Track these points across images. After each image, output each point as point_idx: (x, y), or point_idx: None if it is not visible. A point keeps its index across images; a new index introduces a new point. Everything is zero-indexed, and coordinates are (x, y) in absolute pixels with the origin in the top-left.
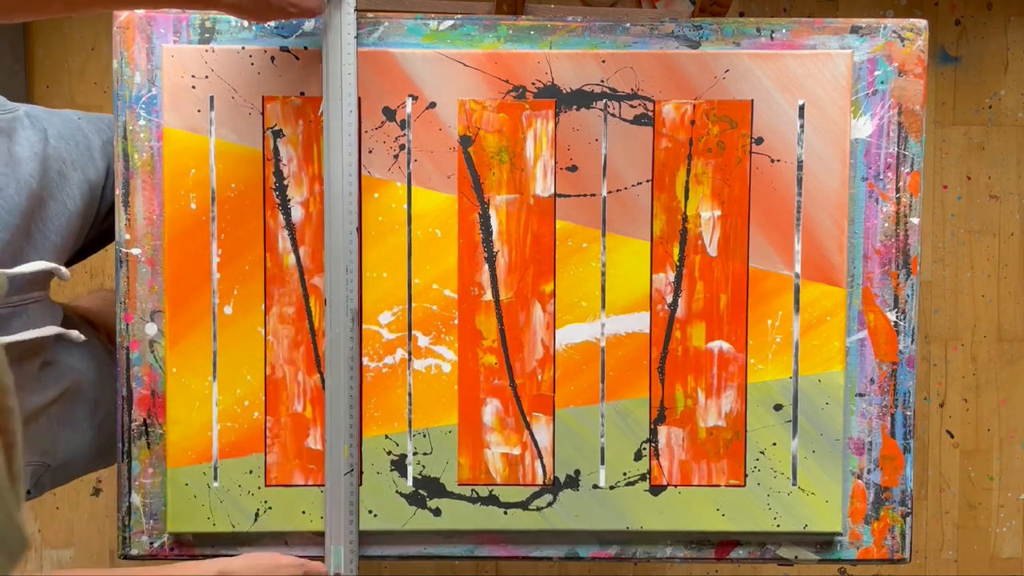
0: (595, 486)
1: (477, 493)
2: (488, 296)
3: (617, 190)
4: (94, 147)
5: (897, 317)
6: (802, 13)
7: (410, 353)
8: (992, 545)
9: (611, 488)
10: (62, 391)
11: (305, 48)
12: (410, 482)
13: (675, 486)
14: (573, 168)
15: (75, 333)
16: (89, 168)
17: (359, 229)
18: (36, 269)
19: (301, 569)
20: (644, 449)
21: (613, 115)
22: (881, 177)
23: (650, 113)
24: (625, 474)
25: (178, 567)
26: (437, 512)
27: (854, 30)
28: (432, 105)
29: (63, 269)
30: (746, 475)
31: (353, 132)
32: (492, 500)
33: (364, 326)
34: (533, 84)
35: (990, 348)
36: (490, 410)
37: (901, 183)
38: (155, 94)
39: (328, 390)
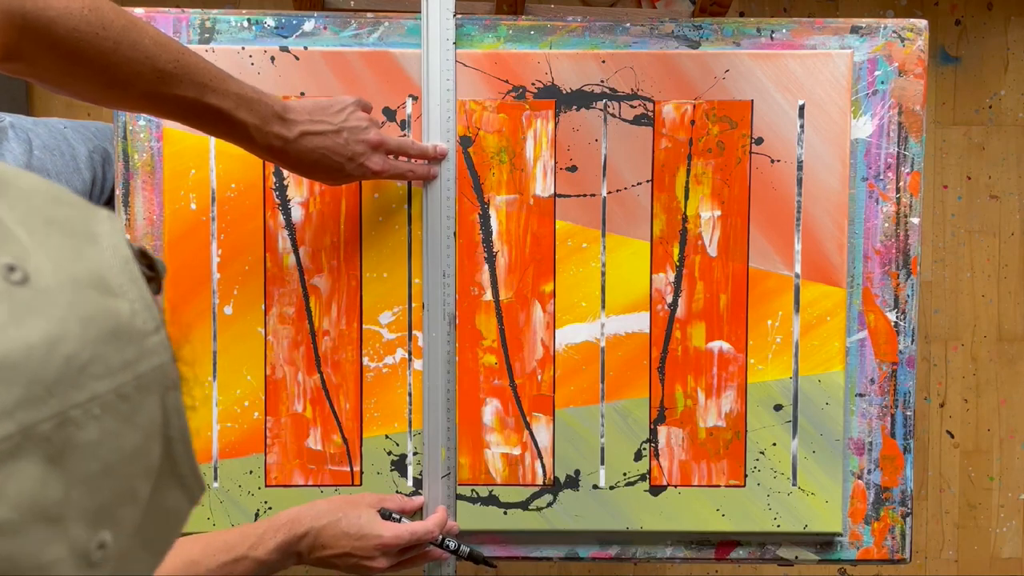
0: (595, 486)
1: (477, 493)
2: (488, 296)
3: (617, 190)
4: (79, 157)
5: (897, 317)
6: (802, 13)
7: (410, 353)
8: (992, 545)
9: (611, 488)
10: None
11: (305, 48)
12: (410, 482)
13: (675, 486)
14: (573, 168)
15: None
16: (74, 179)
17: (455, 234)
18: None
19: (379, 504)
20: (644, 449)
21: (613, 115)
22: (881, 177)
23: (650, 113)
24: (625, 474)
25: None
26: None
27: (854, 30)
28: None
29: None
30: (746, 475)
31: (453, 138)
32: (492, 500)
33: (364, 326)
34: (533, 84)
35: (990, 348)
36: (490, 410)
37: (901, 183)
38: None
39: (427, 392)
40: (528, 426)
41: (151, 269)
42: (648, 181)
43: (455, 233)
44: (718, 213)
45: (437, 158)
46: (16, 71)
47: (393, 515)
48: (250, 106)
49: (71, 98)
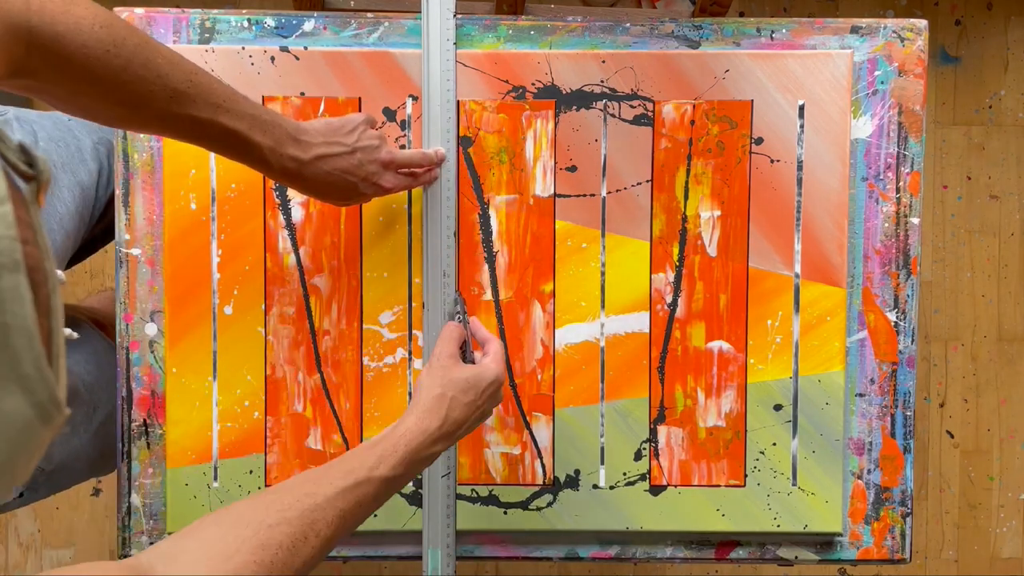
0: (595, 486)
1: (477, 493)
2: (488, 296)
3: (617, 190)
4: (84, 148)
5: (897, 317)
6: (802, 13)
7: (410, 353)
8: (992, 545)
9: (611, 488)
10: None
11: (305, 48)
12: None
13: (675, 486)
14: (573, 168)
15: (67, 331)
16: (80, 170)
17: (456, 234)
18: None
19: (456, 350)
20: (644, 449)
21: (613, 115)
22: (881, 177)
23: (650, 113)
24: (625, 474)
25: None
26: None
27: (854, 30)
28: None
29: (58, 272)
30: (746, 475)
31: (452, 139)
32: (492, 500)
33: (364, 326)
34: (533, 84)
35: (990, 348)
36: None
37: (901, 183)
38: None
39: None
40: (528, 426)
41: (30, 166)
42: (648, 181)
43: (456, 233)
44: (718, 213)
45: (437, 163)
46: (24, 88)
47: (466, 356)
48: (264, 128)
49: (82, 118)
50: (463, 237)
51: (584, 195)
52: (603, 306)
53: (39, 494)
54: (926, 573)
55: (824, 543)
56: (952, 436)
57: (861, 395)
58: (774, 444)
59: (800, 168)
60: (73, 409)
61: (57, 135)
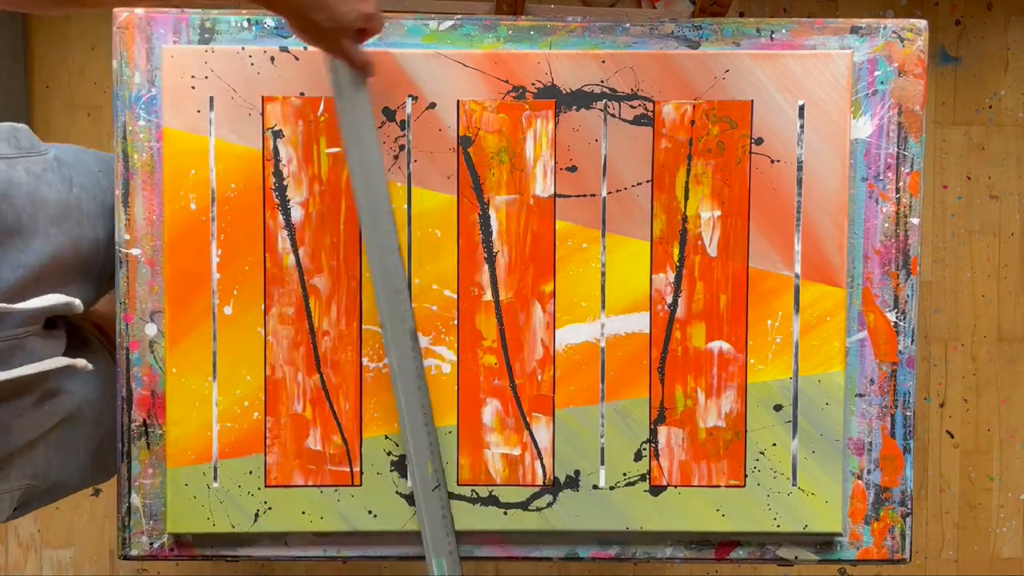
0: (595, 486)
1: (477, 493)
2: (488, 296)
3: (617, 190)
4: (108, 203)
5: (897, 317)
6: (802, 13)
7: None
8: (992, 545)
9: (611, 488)
10: (61, 419)
11: (305, 48)
12: (410, 482)
13: (675, 486)
14: (573, 168)
15: (81, 362)
16: (98, 223)
17: (399, 250)
18: (49, 304)
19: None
20: (644, 449)
21: (613, 115)
22: (881, 177)
23: (650, 113)
24: (625, 474)
25: None
26: None
27: (854, 30)
28: (432, 105)
29: (76, 301)
30: (746, 475)
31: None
32: (492, 500)
33: (364, 326)
34: (533, 84)
35: (990, 348)
36: (490, 410)
37: (901, 183)
38: (155, 94)
39: (403, 415)
40: (528, 426)
41: None
42: (648, 181)
43: (398, 249)
44: (718, 213)
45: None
46: None
47: None
48: None
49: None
50: (463, 237)
51: (584, 195)
52: (603, 306)
53: (33, 507)
54: (926, 573)
55: (824, 543)
56: (952, 436)
57: (861, 395)
58: (774, 444)
59: (800, 168)
60: (76, 431)
61: (88, 183)
